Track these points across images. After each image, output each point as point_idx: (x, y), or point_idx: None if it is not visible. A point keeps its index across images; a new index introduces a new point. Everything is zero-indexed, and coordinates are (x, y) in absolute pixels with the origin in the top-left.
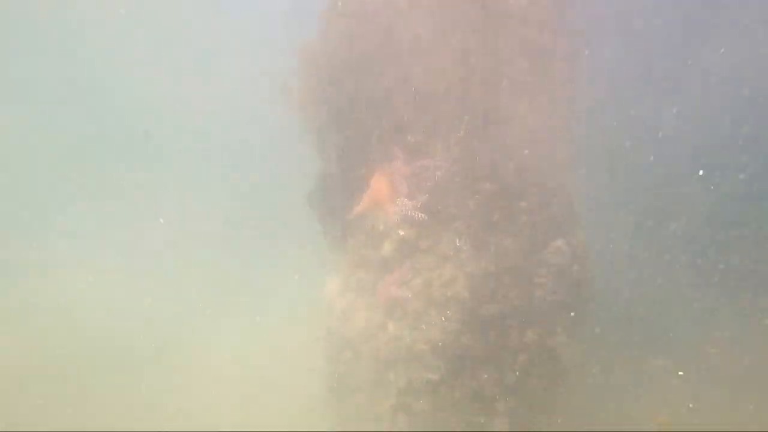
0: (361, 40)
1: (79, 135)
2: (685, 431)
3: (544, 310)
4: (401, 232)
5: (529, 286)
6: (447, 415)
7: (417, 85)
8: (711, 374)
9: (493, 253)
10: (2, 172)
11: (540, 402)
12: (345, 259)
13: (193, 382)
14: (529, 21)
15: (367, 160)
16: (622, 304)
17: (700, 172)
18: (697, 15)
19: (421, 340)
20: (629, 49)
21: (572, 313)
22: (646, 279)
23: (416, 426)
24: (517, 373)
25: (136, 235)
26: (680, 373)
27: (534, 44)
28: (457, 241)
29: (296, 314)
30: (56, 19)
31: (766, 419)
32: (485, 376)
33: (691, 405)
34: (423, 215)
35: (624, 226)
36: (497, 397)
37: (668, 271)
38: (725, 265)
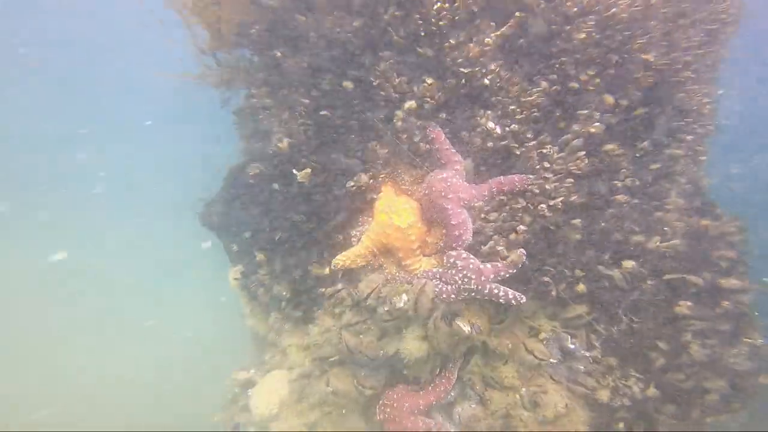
0: None
1: None
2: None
3: None
4: (470, 325)
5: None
6: None
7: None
8: None
9: (647, 365)
10: None
11: None
12: (297, 345)
13: None
14: None
15: (370, 151)
16: None
17: None
18: None
19: None
20: None
21: None
22: None
23: None
24: None
25: None
26: None
27: None
28: (570, 340)
29: None
30: None
31: None
32: None
33: None
34: (515, 296)
35: None
36: None
37: None
38: None
